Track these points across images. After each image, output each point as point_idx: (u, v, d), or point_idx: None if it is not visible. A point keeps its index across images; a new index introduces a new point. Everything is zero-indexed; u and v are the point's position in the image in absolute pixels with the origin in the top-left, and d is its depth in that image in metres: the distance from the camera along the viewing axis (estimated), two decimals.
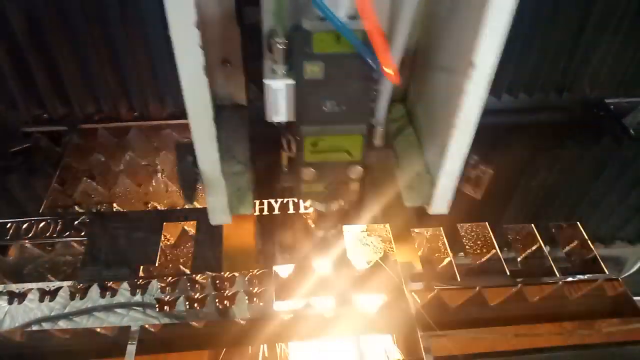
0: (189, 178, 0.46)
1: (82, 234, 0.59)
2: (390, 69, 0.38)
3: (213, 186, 0.46)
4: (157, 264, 0.56)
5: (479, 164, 0.48)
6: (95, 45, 0.61)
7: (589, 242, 0.59)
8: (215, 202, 0.47)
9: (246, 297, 0.53)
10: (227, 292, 0.54)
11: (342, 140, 0.46)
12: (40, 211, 0.62)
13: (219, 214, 0.48)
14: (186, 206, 0.63)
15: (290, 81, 0.42)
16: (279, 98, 0.43)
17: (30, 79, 0.64)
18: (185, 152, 0.44)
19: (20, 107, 0.66)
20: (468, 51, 0.40)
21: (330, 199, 0.54)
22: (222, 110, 0.52)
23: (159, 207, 0.63)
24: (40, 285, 0.54)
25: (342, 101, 0.43)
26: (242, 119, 0.54)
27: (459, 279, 0.55)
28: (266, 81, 0.42)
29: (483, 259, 0.58)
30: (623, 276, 0.57)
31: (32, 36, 0.61)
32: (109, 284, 0.54)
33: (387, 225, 0.60)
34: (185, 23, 0.36)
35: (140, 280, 0.54)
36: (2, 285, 0.53)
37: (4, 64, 0.62)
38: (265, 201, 0.63)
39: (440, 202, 0.50)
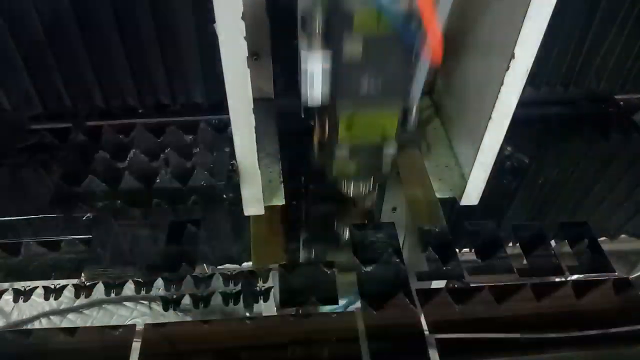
0: (222, 170, 0.46)
1: (87, 231, 0.59)
2: (438, 49, 0.38)
3: (249, 177, 0.47)
4: (162, 262, 0.56)
5: (514, 154, 0.49)
6: (110, 40, 0.62)
7: (598, 241, 0.58)
8: (250, 193, 0.48)
9: (248, 296, 0.53)
10: (233, 290, 0.54)
11: (377, 118, 0.46)
12: (45, 209, 0.62)
13: (253, 205, 0.49)
14: (191, 203, 0.63)
15: (328, 60, 0.42)
16: (316, 79, 0.44)
17: (41, 73, 0.65)
18: (222, 144, 0.45)
19: (33, 101, 0.66)
20: (508, 43, 0.40)
21: (363, 180, 0.54)
22: None
23: (164, 205, 0.63)
24: (45, 283, 0.54)
25: (379, 81, 0.43)
26: (269, 112, 0.54)
27: (466, 278, 0.54)
28: (304, 61, 0.43)
29: (491, 258, 0.57)
30: (633, 276, 0.56)
31: (46, 33, 0.61)
32: (113, 282, 0.54)
33: (393, 223, 0.59)
34: (232, 14, 0.37)
35: (145, 279, 0.54)
36: (8, 283, 0.53)
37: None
38: None
39: (472, 193, 0.51)
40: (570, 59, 0.70)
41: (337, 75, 0.43)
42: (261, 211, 0.51)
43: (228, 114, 0.70)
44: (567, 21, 0.65)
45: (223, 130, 0.70)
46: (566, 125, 0.76)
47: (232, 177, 0.47)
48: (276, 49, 0.52)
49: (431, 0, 0.36)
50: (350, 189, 0.57)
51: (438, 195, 0.52)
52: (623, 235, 0.82)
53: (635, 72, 0.73)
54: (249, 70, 0.40)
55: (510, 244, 0.60)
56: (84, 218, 0.61)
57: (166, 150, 0.68)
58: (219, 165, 0.46)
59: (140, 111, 0.72)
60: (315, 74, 0.43)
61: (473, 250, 0.58)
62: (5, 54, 0.63)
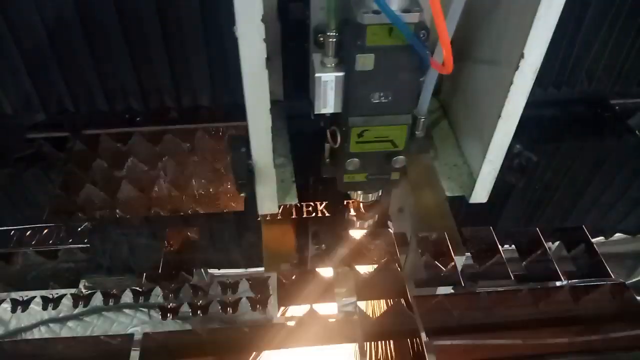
0: (242, 169, 0.47)
1: (85, 240, 0.59)
2: (449, 59, 0.39)
3: (264, 176, 0.48)
4: (160, 271, 0.56)
5: (522, 152, 0.49)
6: (111, 45, 0.62)
7: (595, 245, 0.59)
8: (265, 191, 0.48)
9: (249, 304, 0.53)
10: (231, 299, 0.54)
11: (387, 131, 0.47)
12: (43, 218, 0.62)
13: (268, 203, 0.50)
14: (189, 211, 0.63)
15: (340, 73, 0.43)
16: (328, 90, 0.44)
17: (43, 76, 0.65)
18: (239, 143, 0.47)
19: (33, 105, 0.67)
20: (517, 43, 0.41)
21: (372, 189, 0.55)
22: None
23: (162, 213, 0.63)
24: (44, 292, 0.54)
25: (390, 92, 0.44)
26: (279, 113, 0.55)
27: (463, 284, 0.55)
28: (317, 74, 0.43)
29: (487, 263, 0.57)
30: (631, 281, 0.56)
31: (50, 37, 0.61)
32: (112, 291, 0.54)
33: (391, 230, 0.59)
34: (252, 17, 0.38)
35: (143, 287, 0.54)
36: (5, 293, 0.53)
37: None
38: None
39: (481, 192, 0.52)
40: (562, 60, 0.70)
41: (349, 91, 0.44)
42: (275, 209, 0.52)
43: (226, 121, 0.71)
44: (558, 22, 0.65)
45: (221, 137, 0.70)
46: (558, 126, 0.76)
47: (250, 177, 0.48)
48: (287, 51, 0.53)
49: (441, 12, 0.36)
50: (359, 197, 0.58)
51: (447, 194, 0.53)
52: (618, 234, 0.82)
53: (625, 72, 0.73)
54: (267, 72, 0.41)
55: (507, 246, 0.60)
56: (82, 227, 0.61)
57: (164, 159, 0.68)
58: (236, 164, 0.47)
59: (138, 119, 0.72)
60: (328, 89, 0.44)
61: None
62: (6, 57, 0.63)
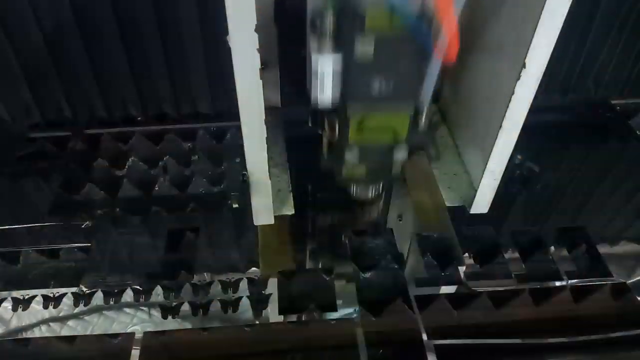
0: (236, 180, 0.46)
1: (86, 239, 0.59)
2: (454, 46, 0.37)
3: (259, 187, 0.47)
4: (160, 270, 0.56)
5: (524, 163, 0.49)
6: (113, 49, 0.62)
7: (596, 245, 0.58)
8: (261, 203, 0.48)
9: (250, 303, 0.53)
10: (232, 298, 0.54)
11: (388, 119, 0.45)
12: (44, 217, 0.62)
13: (263, 215, 0.49)
14: (190, 210, 0.63)
15: (339, 59, 0.42)
16: (327, 81, 0.43)
17: (42, 83, 0.65)
18: (233, 154, 0.45)
19: (30, 110, 0.67)
20: (519, 53, 0.41)
21: (372, 182, 0.53)
22: None
23: (163, 212, 0.63)
24: (44, 291, 0.54)
25: (391, 79, 0.42)
26: (276, 121, 0.54)
27: (464, 283, 0.54)
28: (314, 64, 0.42)
29: (489, 263, 0.57)
30: (631, 280, 0.56)
31: (47, 42, 0.61)
32: (112, 290, 0.54)
33: (391, 228, 0.59)
34: (245, 27, 0.37)
35: (144, 286, 0.54)
36: (6, 292, 0.53)
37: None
38: None
39: (482, 202, 0.51)
40: (568, 66, 0.70)
41: (349, 77, 0.42)
42: (271, 220, 0.51)
43: (227, 121, 0.71)
44: (564, 28, 0.65)
45: (222, 137, 0.70)
46: (564, 132, 0.76)
47: (244, 188, 0.47)
48: (284, 58, 0.52)
49: None
50: (358, 193, 0.56)
51: (447, 204, 0.53)
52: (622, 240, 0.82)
53: (633, 78, 0.73)
54: (261, 82, 0.40)
55: (510, 251, 0.60)
56: (82, 226, 0.61)
57: (165, 158, 0.68)
58: (230, 176, 0.46)
59: (139, 119, 0.72)
60: (325, 75, 0.43)
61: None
62: (4, 63, 0.63)
